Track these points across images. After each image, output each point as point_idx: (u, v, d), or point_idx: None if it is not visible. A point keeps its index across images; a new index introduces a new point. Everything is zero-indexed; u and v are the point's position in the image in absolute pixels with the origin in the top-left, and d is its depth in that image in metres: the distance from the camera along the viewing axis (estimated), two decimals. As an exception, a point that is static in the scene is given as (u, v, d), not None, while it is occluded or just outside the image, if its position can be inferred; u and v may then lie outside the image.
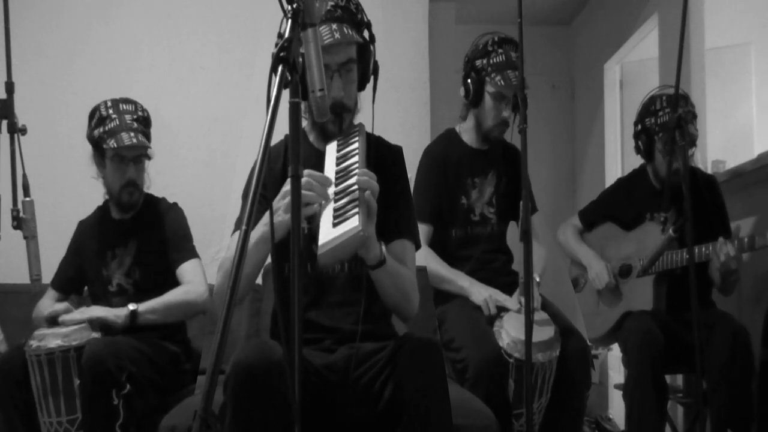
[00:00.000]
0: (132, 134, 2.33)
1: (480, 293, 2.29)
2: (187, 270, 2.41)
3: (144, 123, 2.43)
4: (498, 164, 2.51)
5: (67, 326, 2.18)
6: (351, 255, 1.55)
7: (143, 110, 2.45)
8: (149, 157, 2.47)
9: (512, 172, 2.51)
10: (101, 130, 2.35)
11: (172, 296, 2.35)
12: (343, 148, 1.68)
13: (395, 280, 1.66)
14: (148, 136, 2.44)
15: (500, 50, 2.37)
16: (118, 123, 2.36)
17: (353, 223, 1.44)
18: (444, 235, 2.45)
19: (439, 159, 2.49)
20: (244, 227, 1.04)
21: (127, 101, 2.43)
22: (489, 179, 2.49)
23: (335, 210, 1.49)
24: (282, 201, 1.53)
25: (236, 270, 1.02)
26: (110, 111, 2.39)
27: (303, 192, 1.44)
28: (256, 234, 1.60)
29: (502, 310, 2.24)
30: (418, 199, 2.32)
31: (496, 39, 2.39)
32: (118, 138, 2.32)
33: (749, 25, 4.19)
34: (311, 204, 1.49)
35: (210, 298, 2.36)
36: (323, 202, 1.51)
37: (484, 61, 2.39)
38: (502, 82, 2.34)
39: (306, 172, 1.49)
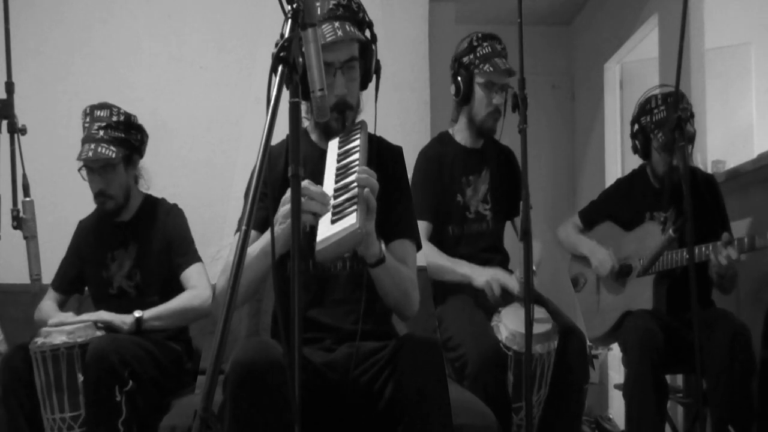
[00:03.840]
0: (93, 145, 2.32)
1: (482, 276, 2.31)
2: (191, 275, 2.42)
3: (120, 128, 2.38)
4: (491, 162, 2.54)
5: (73, 324, 2.19)
6: (349, 252, 1.55)
7: (120, 114, 2.40)
8: (130, 162, 2.43)
9: (505, 170, 2.55)
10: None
11: (177, 302, 2.36)
12: (344, 146, 1.68)
13: (395, 279, 1.66)
14: (125, 142, 2.39)
15: (485, 44, 2.44)
16: (87, 134, 2.37)
17: (351, 220, 1.44)
18: (441, 233, 2.47)
19: (433, 159, 2.52)
20: (244, 227, 1.04)
21: (102, 107, 2.40)
22: (483, 177, 2.51)
23: (334, 207, 1.49)
24: (281, 210, 1.53)
25: (236, 270, 1.02)
26: (87, 119, 2.39)
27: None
28: (260, 244, 1.60)
29: (505, 296, 2.25)
30: (415, 197, 2.32)
31: (479, 35, 2.46)
32: (82, 150, 2.34)
33: (749, 25, 4.19)
34: (308, 213, 1.48)
35: (215, 302, 2.37)
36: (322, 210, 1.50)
37: (471, 56, 2.44)
38: (491, 69, 2.39)
39: (303, 185, 1.48)
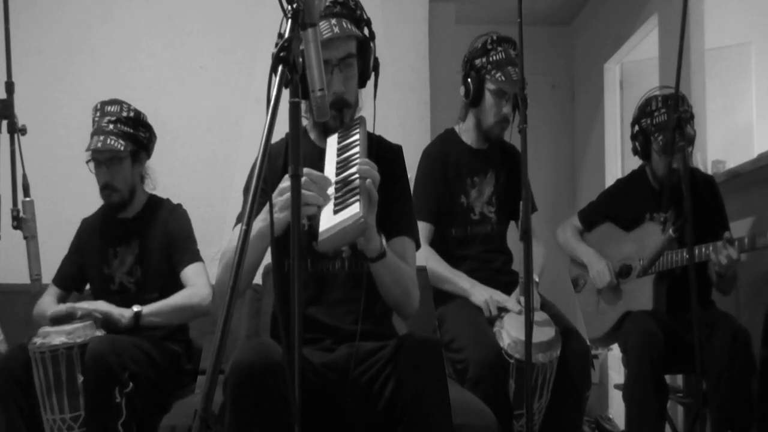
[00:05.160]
0: (102, 137, 2.34)
1: (481, 294, 2.30)
2: (190, 273, 2.43)
3: (129, 123, 2.41)
4: (497, 164, 2.51)
5: (72, 324, 2.19)
6: (351, 242, 1.55)
7: (130, 110, 2.43)
8: (137, 159, 2.45)
9: (511, 172, 2.51)
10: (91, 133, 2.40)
11: (176, 299, 2.36)
12: (344, 140, 1.68)
13: (395, 275, 1.66)
14: (133, 137, 2.41)
15: (499, 48, 2.38)
16: (96, 126, 2.39)
17: (354, 210, 1.43)
18: (444, 234, 2.46)
19: (438, 158, 2.49)
20: (244, 227, 1.04)
21: (113, 102, 2.43)
22: (488, 179, 2.49)
23: (336, 198, 1.49)
24: (278, 198, 1.52)
25: (236, 270, 1.02)
26: (97, 114, 2.42)
27: (302, 191, 1.44)
28: (253, 230, 1.59)
29: (502, 310, 2.24)
30: (418, 197, 2.33)
31: (494, 38, 2.40)
32: (91, 142, 2.36)
33: (749, 25, 4.20)
34: (310, 204, 1.48)
35: (214, 300, 2.38)
36: (322, 201, 1.50)
37: (484, 60, 2.39)
38: (503, 78, 2.35)
39: (305, 171, 1.48)
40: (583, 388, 2.18)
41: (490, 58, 2.38)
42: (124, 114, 2.41)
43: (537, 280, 2.33)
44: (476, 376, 2.04)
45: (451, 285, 2.37)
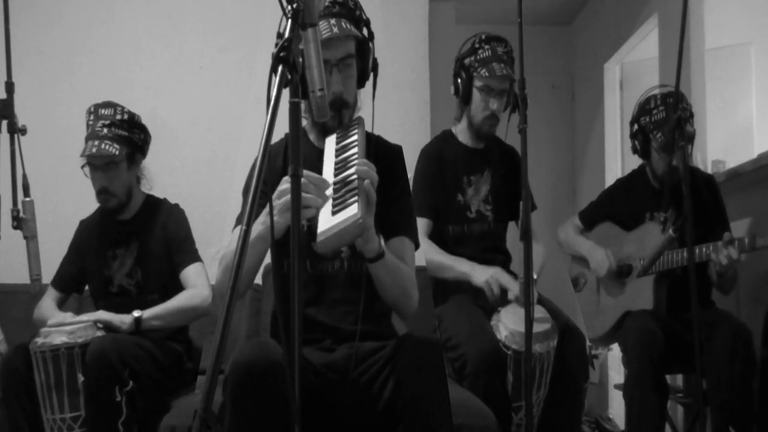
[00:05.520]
0: (97, 142, 2.33)
1: (481, 275, 2.29)
2: (190, 274, 2.43)
3: (124, 126, 2.39)
4: (494, 163, 2.53)
5: (73, 324, 2.20)
6: (349, 243, 1.55)
7: (124, 113, 2.41)
8: (133, 161, 2.44)
9: (508, 171, 2.53)
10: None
11: (176, 302, 2.37)
12: (342, 141, 1.68)
13: (394, 275, 1.66)
14: (128, 140, 2.40)
15: (486, 46, 2.42)
16: (90, 131, 2.38)
17: (352, 210, 1.43)
18: (441, 232, 2.47)
19: (435, 157, 2.52)
20: (244, 227, 1.04)
21: (107, 105, 2.41)
22: (485, 177, 2.51)
23: (334, 199, 1.49)
24: (277, 201, 1.53)
25: (236, 271, 1.02)
26: (91, 117, 2.40)
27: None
28: (253, 232, 1.59)
29: (504, 296, 2.24)
30: (416, 194, 2.34)
31: (483, 37, 2.45)
32: (85, 147, 2.35)
33: (749, 25, 4.20)
34: (309, 207, 1.48)
35: (213, 302, 2.38)
36: (321, 202, 1.50)
37: (472, 59, 2.44)
38: (487, 74, 2.38)
39: (303, 173, 1.48)
40: (582, 380, 2.20)
41: (477, 57, 2.42)
42: (118, 117, 2.39)
43: (535, 277, 2.33)
44: (474, 370, 2.04)
45: (452, 271, 2.37)
